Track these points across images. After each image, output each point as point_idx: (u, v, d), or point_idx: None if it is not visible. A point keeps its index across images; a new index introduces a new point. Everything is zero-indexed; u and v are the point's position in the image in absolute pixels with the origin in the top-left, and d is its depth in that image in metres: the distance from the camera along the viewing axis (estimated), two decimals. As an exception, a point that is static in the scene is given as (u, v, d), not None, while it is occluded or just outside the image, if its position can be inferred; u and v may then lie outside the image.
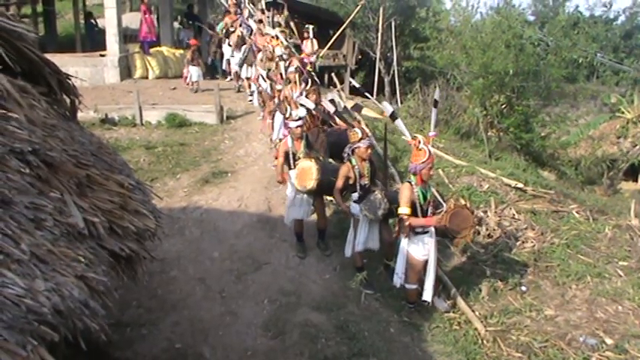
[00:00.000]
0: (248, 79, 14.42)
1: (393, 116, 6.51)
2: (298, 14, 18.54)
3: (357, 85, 9.04)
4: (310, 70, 9.73)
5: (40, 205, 3.37)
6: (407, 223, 6.15)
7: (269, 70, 11.30)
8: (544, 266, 8.03)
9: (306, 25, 15.77)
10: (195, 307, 6.93)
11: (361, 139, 6.90)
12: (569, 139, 17.49)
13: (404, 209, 6.17)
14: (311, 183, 7.18)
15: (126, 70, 16.69)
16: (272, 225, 8.61)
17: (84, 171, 3.99)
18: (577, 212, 9.24)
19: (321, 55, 16.32)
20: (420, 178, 6.20)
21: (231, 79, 16.51)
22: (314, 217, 8.03)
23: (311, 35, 15.39)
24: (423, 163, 6.14)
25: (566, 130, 16.67)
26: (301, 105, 7.96)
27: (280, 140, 8.82)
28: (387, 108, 6.58)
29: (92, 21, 20.98)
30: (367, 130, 7.38)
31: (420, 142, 6.19)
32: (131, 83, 16.06)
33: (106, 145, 5.23)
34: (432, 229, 6.35)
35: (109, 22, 16.22)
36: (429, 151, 6.15)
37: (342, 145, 7.37)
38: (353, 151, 6.99)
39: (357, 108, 9.35)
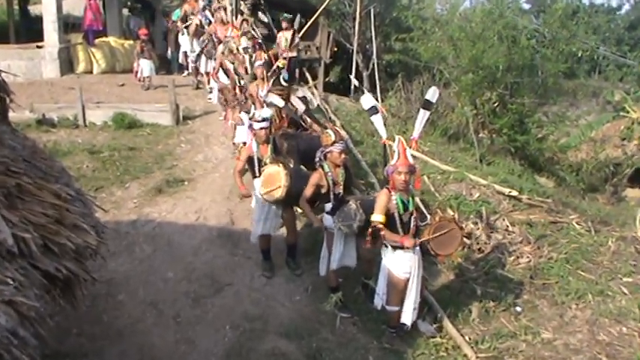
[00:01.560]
0: (208, 74, 14.38)
1: (372, 110, 6.54)
2: (265, 0, 18.54)
3: (357, 84, 9.07)
4: (281, 66, 9.69)
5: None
6: (382, 233, 6.17)
7: (233, 63, 11.29)
8: (541, 284, 8.11)
9: (284, 14, 15.70)
10: (145, 334, 6.84)
11: (334, 142, 6.91)
12: (569, 142, 17.73)
13: (377, 216, 6.18)
14: (279, 191, 7.17)
15: (67, 63, 16.53)
16: (235, 240, 8.57)
17: (14, 180, 3.93)
18: (577, 223, 9.36)
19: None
20: (393, 183, 6.22)
21: (188, 74, 16.46)
22: (282, 230, 8.02)
23: (294, 26, 14.57)
24: (392, 165, 6.18)
25: (565, 131, 16.91)
26: (267, 105, 7.97)
27: (244, 144, 8.80)
28: (366, 100, 6.63)
29: (28, 7, 20.74)
30: (342, 132, 7.40)
31: (393, 143, 6.25)
32: (73, 79, 15.90)
33: (42, 149, 5.18)
34: (416, 243, 6.38)
35: (46, 8, 16.06)
36: (401, 154, 6.15)
37: (315, 151, 7.40)
38: (325, 155, 7.00)
39: (303, 100, 9.18)
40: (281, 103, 7.98)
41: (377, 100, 18.31)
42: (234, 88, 10.66)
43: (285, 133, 8.74)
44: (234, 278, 7.85)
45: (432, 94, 6.68)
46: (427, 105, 6.57)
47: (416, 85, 16.27)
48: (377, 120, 6.52)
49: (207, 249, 8.41)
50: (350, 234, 6.87)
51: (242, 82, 10.34)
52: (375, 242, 6.46)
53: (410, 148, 6.32)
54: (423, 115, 6.53)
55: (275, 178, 7.23)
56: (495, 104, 14.92)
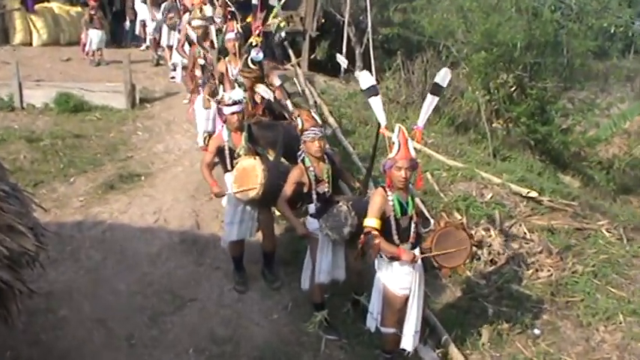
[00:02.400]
0: (170, 47, 14.32)
1: (371, 91, 6.43)
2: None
3: (345, 63, 9.04)
4: (254, 43, 9.56)
5: None
6: (376, 242, 6.11)
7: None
8: (564, 302, 8.17)
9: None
10: (92, 358, 6.80)
11: (302, 130, 6.93)
12: (599, 134, 17.74)
13: (370, 221, 6.14)
14: (254, 190, 7.16)
15: (1, 33, 16.37)
16: (201, 247, 8.56)
17: None
18: (607, 230, 9.42)
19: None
20: (389, 181, 6.16)
21: (147, 48, 16.39)
22: (259, 236, 8.01)
23: None
24: (390, 159, 6.08)
25: (594, 121, 16.84)
26: (239, 85, 7.95)
27: (209, 135, 8.78)
28: (365, 78, 6.50)
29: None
30: (317, 118, 7.32)
31: (392, 132, 6.18)
32: (8, 51, 15.79)
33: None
34: (417, 253, 6.38)
35: (-24, -33, 15.95)
36: (401, 146, 6.08)
37: (290, 141, 7.42)
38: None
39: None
40: (269, 94, 7.99)
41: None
42: (193, 65, 10.64)
43: (264, 122, 8.72)
44: (199, 292, 7.83)
45: (443, 76, 6.46)
46: (436, 90, 6.42)
47: (418, 65, 16.30)
48: (376, 103, 6.40)
49: (168, 257, 8.38)
50: (339, 241, 6.86)
51: (204, 57, 10.27)
52: (365, 253, 6.46)
53: (413, 139, 6.26)
54: (431, 102, 6.39)
55: (250, 173, 7.22)
56: (512, 88, 14.98)
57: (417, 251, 6.25)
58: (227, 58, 9.77)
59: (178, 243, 8.65)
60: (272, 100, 8.21)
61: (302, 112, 7.37)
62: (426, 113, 6.37)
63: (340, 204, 6.84)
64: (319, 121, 7.27)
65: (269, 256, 8.03)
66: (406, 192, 6.26)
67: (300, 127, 6.96)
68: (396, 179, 6.09)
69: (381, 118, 6.39)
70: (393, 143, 6.08)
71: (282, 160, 8.06)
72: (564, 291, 8.33)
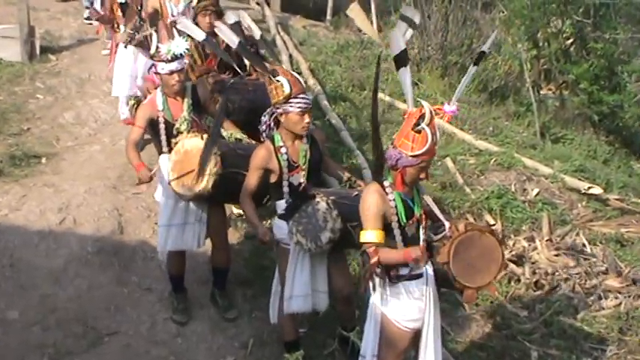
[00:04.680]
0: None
1: (401, 59, 6.31)
2: None
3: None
4: None
5: None
6: (373, 260, 6.07)
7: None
8: (637, 342, 8.21)
9: None
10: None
11: (288, 96, 6.83)
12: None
13: (370, 235, 6.08)
14: (202, 181, 7.13)
15: None
16: (125, 259, 8.59)
17: None
18: (699, 243, 9.49)
19: None
20: (401, 180, 6.10)
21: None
22: (208, 245, 8.01)
23: None
24: (414, 156, 6.01)
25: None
26: (181, 33, 7.87)
27: (137, 100, 8.69)
28: (397, 41, 6.35)
29: None
30: (300, 80, 7.22)
31: (422, 118, 6.08)
32: None
33: None
34: (429, 270, 6.35)
35: None
36: (433, 140, 6.03)
37: (263, 108, 7.33)
38: (276, 120, 6.97)
39: (236, 29, 8.94)
40: (200, 35, 7.86)
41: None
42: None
43: (218, 79, 8.66)
44: (122, 323, 7.84)
45: (491, 41, 6.54)
46: (480, 59, 6.47)
47: (437, 5, 16.25)
48: (405, 77, 6.30)
49: (78, 273, 8.37)
50: (315, 252, 6.82)
51: None
52: (369, 276, 6.35)
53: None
54: (469, 75, 6.39)
55: (195, 159, 7.14)
56: (569, 41, 15.00)
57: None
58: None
59: (93, 253, 8.63)
60: (236, 46, 7.95)
61: (284, 71, 7.19)
62: (461, 90, 6.35)
63: (317, 200, 6.69)
64: (303, 85, 7.17)
65: (221, 273, 8.02)
66: (411, 189, 6.21)
67: (286, 92, 6.83)
68: (412, 179, 5.98)
69: (410, 99, 6.22)
70: (419, 132, 5.94)
71: (244, 137, 7.99)
72: (638, 327, 8.38)
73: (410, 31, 6.53)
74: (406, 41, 6.34)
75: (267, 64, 7.52)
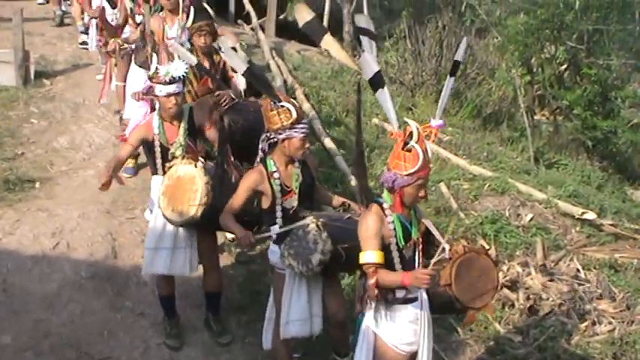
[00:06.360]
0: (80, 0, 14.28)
1: (377, 81, 6.34)
2: None
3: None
4: None
5: None
6: (372, 282, 6.05)
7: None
8: (631, 368, 8.21)
9: None
10: None
11: (294, 122, 6.83)
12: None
13: (370, 255, 6.08)
14: (192, 208, 7.14)
15: None
16: (119, 284, 8.55)
17: None
18: (693, 268, 9.49)
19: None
20: (400, 201, 6.11)
21: (47, 2, 16.33)
22: (201, 269, 8.00)
23: None
24: (409, 175, 6.01)
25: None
26: (179, 55, 7.88)
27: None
28: (368, 63, 6.38)
29: None
30: (298, 107, 7.21)
31: (409, 136, 6.10)
32: None
33: None
34: (424, 295, 6.35)
35: None
36: (424, 157, 6.04)
37: (260, 131, 7.31)
38: (273, 145, 6.95)
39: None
40: (192, 59, 7.86)
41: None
42: (100, 21, 10.64)
43: (216, 100, 8.63)
44: (115, 349, 7.80)
45: (463, 50, 6.55)
46: (454, 68, 6.45)
47: (431, 32, 16.32)
48: (384, 98, 6.31)
49: (72, 298, 8.33)
50: (309, 275, 6.79)
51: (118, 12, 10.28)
52: (367, 298, 6.32)
53: (427, 139, 6.19)
54: (448, 87, 6.37)
55: (186, 186, 7.19)
56: (563, 66, 15.04)
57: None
58: (162, 14, 9.73)
59: (87, 278, 8.60)
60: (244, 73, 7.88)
61: (287, 99, 7.15)
62: (445, 101, 6.31)
63: (307, 222, 6.68)
64: (305, 112, 7.18)
65: (214, 298, 7.99)
66: (410, 211, 6.21)
67: (293, 117, 6.80)
68: (411, 199, 5.96)
69: (393, 119, 6.23)
70: (409, 150, 5.95)
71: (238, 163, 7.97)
72: (632, 352, 8.37)
73: (374, 44, 6.46)
74: (377, 59, 6.35)
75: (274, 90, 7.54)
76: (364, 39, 6.32)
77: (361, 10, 17.55)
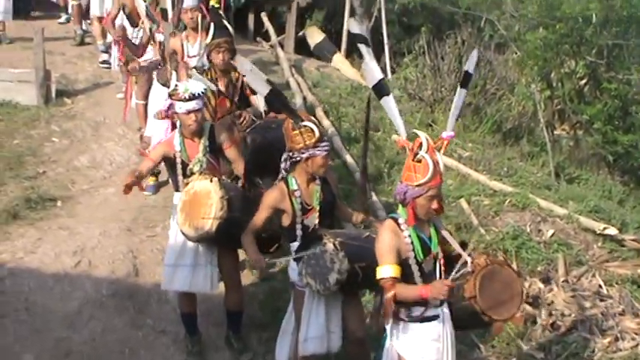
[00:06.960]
0: (101, 19, 14.31)
1: (380, 89, 6.37)
2: None
3: (330, 51, 8.86)
4: (216, 5, 9.66)
5: None
6: (389, 295, 6.00)
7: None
8: (655, 385, 8.15)
9: None
10: None
11: (317, 141, 6.83)
12: None
13: (386, 269, 6.04)
14: (208, 222, 7.14)
15: None
16: (140, 302, 8.56)
17: None
18: None
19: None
20: (413, 213, 6.08)
21: (68, 20, 16.39)
22: (222, 288, 8.00)
23: None
24: (419, 186, 5.99)
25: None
26: (200, 72, 7.92)
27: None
28: (371, 72, 6.41)
29: None
30: (317, 124, 7.19)
31: (419, 147, 6.10)
32: None
33: None
34: (446, 311, 6.33)
35: None
36: (435, 166, 6.03)
37: (280, 150, 7.32)
38: (296, 163, 6.97)
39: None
40: (211, 85, 7.90)
41: (385, 69, 18.36)
42: (122, 41, 10.68)
43: (235, 118, 8.67)
44: (137, 366, 7.80)
45: (473, 61, 6.56)
46: (466, 80, 6.45)
47: (450, 47, 16.29)
48: (389, 105, 6.33)
49: (93, 316, 8.34)
50: (323, 292, 6.74)
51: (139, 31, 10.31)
52: (384, 315, 6.29)
53: (438, 151, 6.19)
54: (460, 98, 6.37)
55: (203, 201, 7.21)
56: (583, 81, 14.99)
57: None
58: (184, 34, 9.77)
59: (108, 296, 8.61)
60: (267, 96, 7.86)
61: (307, 117, 7.16)
62: (455, 115, 6.31)
63: (324, 241, 6.70)
64: (326, 131, 7.20)
65: (235, 316, 8.00)
66: (427, 225, 6.20)
67: (317, 136, 6.81)
68: (424, 211, 5.94)
69: (400, 126, 6.23)
70: (419, 161, 5.95)
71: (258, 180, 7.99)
72: (655, 369, 8.32)
73: (370, 50, 6.47)
74: (378, 66, 6.38)
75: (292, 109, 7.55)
76: (362, 47, 6.36)
77: (380, 28, 17.60)
